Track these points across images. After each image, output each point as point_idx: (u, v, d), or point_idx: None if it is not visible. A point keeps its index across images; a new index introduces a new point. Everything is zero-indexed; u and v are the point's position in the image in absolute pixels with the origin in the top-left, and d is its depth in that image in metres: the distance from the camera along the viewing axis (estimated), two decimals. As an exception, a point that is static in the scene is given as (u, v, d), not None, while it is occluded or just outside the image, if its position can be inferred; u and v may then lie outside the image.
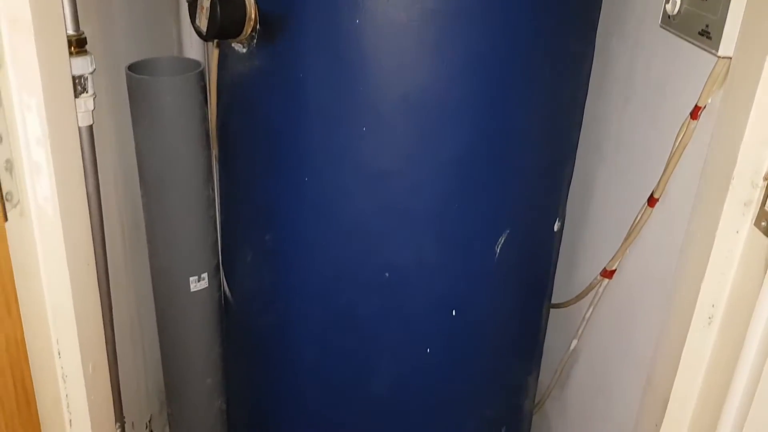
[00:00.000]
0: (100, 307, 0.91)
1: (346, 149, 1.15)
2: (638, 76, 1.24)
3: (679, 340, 0.84)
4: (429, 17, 1.06)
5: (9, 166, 0.70)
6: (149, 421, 1.77)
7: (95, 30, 1.23)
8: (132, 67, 1.32)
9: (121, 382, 1.43)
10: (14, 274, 0.71)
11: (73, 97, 0.77)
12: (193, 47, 1.53)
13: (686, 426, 0.85)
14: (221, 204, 1.48)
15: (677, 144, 1.02)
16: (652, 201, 1.11)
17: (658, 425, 0.88)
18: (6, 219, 0.69)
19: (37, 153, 0.71)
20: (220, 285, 1.54)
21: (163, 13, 1.54)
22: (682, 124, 1.03)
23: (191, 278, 1.47)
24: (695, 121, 1.00)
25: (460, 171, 1.16)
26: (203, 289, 1.49)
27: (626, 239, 1.19)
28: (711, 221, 0.80)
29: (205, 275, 1.48)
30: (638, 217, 1.16)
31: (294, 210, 1.24)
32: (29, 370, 0.71)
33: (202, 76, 1.35)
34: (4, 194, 0.70)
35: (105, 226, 1.27)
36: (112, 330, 1.36)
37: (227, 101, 1.32)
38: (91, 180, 1.14)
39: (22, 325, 0.69)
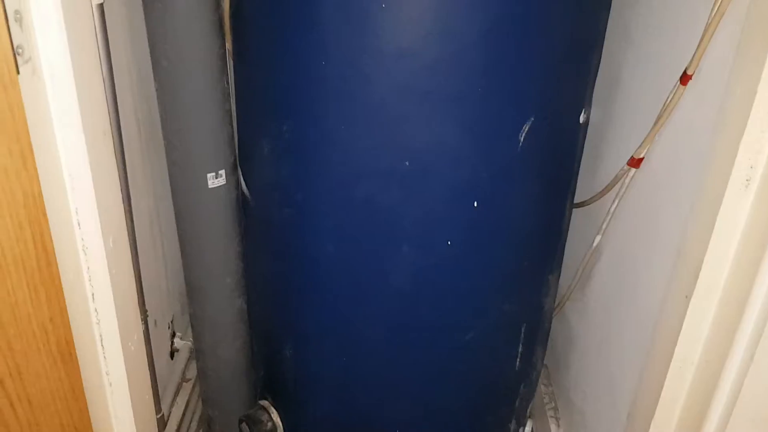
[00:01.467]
0: (118, 181, 0.90)
1: (364, 27, 1.11)
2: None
3: (713, 204, 0.81)
4: None
5: (18, 17, 0.67)
6: (171, 322, 1.80)
7: None
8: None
9: (142, 280, 1.44)
10: (31, 134, 0.69)
11: None
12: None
13: (718, 295, 0.83)
14: (236, 97, 1.45)
15: (714, 13, 0.96)
16: (684, 78, 1.06)
17: (689, 296, 0.86)
18: (18, 72, 0.67)
19: (46, 3, 0.67)
20: (237, 182, 1.52)
21: None
22: (718, -6, 0.97)
23: (209, 174, 1.45)
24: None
25: (483, 50, 1.11)
26: (221, 185, 1.47)
27: (656, 123, 1.15)
28: (752, 79, 0.76)
29: (222, 171, 1.46)
30: (669, 98, 1.11)
31: (311, 97, 1.21)
32: (48, 228, 0.70)
33: (213, -40, 1.30)
34: (15, 47, 0.67)
35: (120, 119, 1.25)
36: (132, 226, 1.35)
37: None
38: (104, 62, 1.11)
39: (39, 181, 0.67)
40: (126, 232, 0.93)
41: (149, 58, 1.37)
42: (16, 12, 0.67)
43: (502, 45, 1.12)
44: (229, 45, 1.41)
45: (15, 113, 0.63)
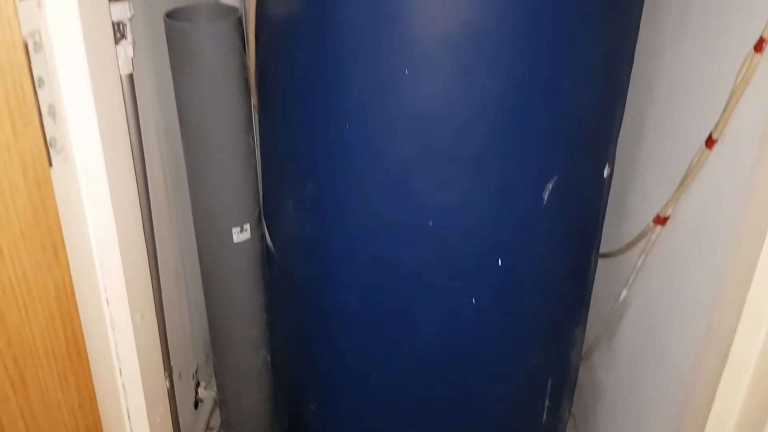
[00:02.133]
0: (146, 256, 0.91)
1: (388, 93, 1.12)
2: (694, 6, 1.17)
3: (744, 282, 0.80)
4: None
5: (52, 111, 0.69)
6: (195, 372, 1.80)
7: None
8: (170, 15, 1.30)
9: (167, 333, 1.45)
10: (63, 223, 0.71)
11: (113, 41, 0.75)
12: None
13: (748, 375, 0.81)
14: (261, 153, 1.46)
15: (739, 79, 0.96)
16: (710, 142, 1.06)
17: (719, 375, 0.85)
18: (51, 165, 0.68)
19: (79, 97, 0.69)
20: (262, 235, 1.53)
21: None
22: (745, 59, 0.97)
23: (234, 229, 1.47)
24: (759, 54, 0.94)
25: (506, 112, 1.12)
26: (246, 240, 1.48)
27: (681, 183, 1.14)
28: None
29: (247, 226, 1.48)
30: (694, 160, 1.10)
31: (335, 157, 1.22)
32: (79, 318, 0.71)
33: (240, 23, 1.32)
34: (48, 140, 0.69)
35: (148, 176, 1.27)
36: (158, 280, 1.37)
37: (265, 48, 1.29)
38: (132, 129, 1.13)
39: (70, 272, 0.68)
40: (153, 305, 0.94)
41: (176, 114, 1.39)
42: (50, 106, 0.69)
43: (524, 106, 1.12)
44: (254, 100, 1.43)
45: (48, 209, 0.64)
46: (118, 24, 1.04)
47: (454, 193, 1.18)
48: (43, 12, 0.66)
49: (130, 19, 1.06)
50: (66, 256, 0.67)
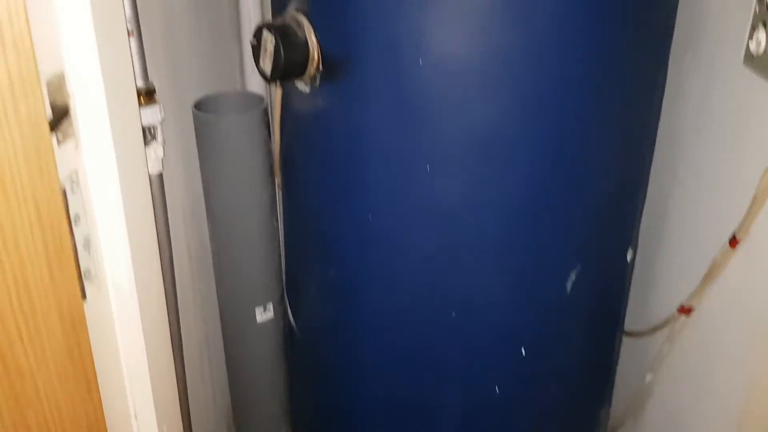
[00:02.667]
0: (174, 372, 0.93)
1: (410, 188, 1.13)
2: (715, 108, 1.18)
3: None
4: (493, 52, 1.03)
5: (87, 244, 0.71)
6: (217, 444, 1.80)
7: (161, 67, 1.25)
8: (198, 104, 1.33)
9: (191, 411, 1.45)
10: (94, 353, 0.72)
11: (148, 176, 0.78)
12: (256, 78, 1.53)
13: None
14: (285, 235, 1.48)
15: (762, 187, 0.96)
16: (733, 242, 1.06)
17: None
18: (85, 298, 0.70)
19: (114, 231, 0.71)
20: (284, 313, 1.55)
21: (226, 46, 1.55)
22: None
23: (257, 308, 1.48)
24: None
25: (527, 207, 1.13)
26: (269, 319, 1.50)
27: (706, 278, 1.14)
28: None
29: (270, 305, 1.49)
30: (718, 257, 1.10)
31: (357, 247, 1.23)
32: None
33: (265, 112, 1.36)
34: (83, 272, 0.71)
35: (174, 258, 1.29)
36: (182, 360, 1.38)
37: (290, 137, 1.32)
38: (162, 224, 1.16)
39: (101, 405, 0.70)
40: (179, 416, 0.95)
41: (203, 196, 1.42)
42: (86, 240, 0.71)
43: (545, 198, 1.13)
44: (278, 180, 1.46)
45: (82, 347, 0.66)
46: (150, 127, 1.07)
47: (476, 285, 1.18)
48: (80, 153, 0.69)
49: (161, 122, 1.09)
50: (98, 390, 0.69)
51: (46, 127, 0.60)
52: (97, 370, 0.72)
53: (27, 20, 0.55)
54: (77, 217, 0.70)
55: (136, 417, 0.82)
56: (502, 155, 1.09)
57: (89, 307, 0.72)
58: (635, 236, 1.34)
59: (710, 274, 1.12)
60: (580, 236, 1.20)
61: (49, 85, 0.64)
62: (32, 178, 0.59)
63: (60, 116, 0.64)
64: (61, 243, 0.64)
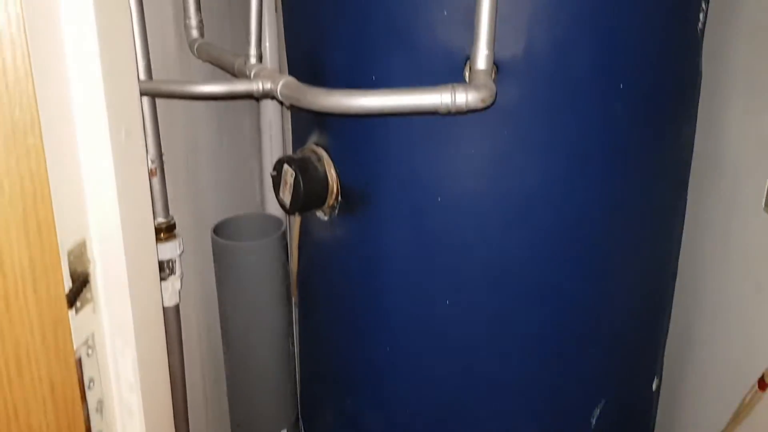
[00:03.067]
0: None
1: (429, 321, 1.11)
2: (736, 241, 1.17)
3: None
4: (512, 191, 1.03)
5: (100, 407, 0.70)
6: None
7: (183, 198, 1.26)
8: (217, 228, 1.34)
9: None
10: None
11: (164, 340, 0.77)
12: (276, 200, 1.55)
13: None
14: (301, 359, 1.46)
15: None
16: (762, 384, 1.02)
17: None
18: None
19: (128, 397, 0.70)
20: (299, 439, 1.51)
21: (247, 167, 1.58)
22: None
23: (271, 433, 1.44)
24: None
25: (549, 344, 1.10)
26: (283, 446, 1.46)
27: (734, 419, 1.09)
28: None
29: (284, 430, 1.45)
30: (747, 397, 1.06)
31: (375, 378, 1.20)
32: None
33: (284, 237, 1.36)
34: (93, 435, 0.69)
35: (187, 384, 1.27)
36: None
37: (309, 262, 1.32)
38: (176, 356, 1.15)
39: None
40: None
41: (218, 316, 1.41)
42: (99, 402, 0.70)
43: (568, 336, 1.11)
44: (295, 298, 1.45)
45: None
46: (168, 261, 1.08)
47: (498, 424, 1.14)
48: (98, 316, 0.69)
49: (180, 255, 1.10)
50: None
51: (65, 304, 0.59)
52: None
53: (51, 203, 0.56)
54: (91, 381, 0.69)
55: None
56: (522, 291, 1.08)
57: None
58: (660, 364, 1.30)
59: (738, 417, 1.08)
60: (604, 371, 1.17)
61: (69, 254, 0.64)
62: (48, 355, 0.59)
63: (79, 286, 0.64)
64: (73, 413, 0.63)
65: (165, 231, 1.07)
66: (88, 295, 0.67)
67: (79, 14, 0.59)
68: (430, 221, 1.06)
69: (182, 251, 1.10)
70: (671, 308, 1.30)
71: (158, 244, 1.02)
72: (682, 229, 1.24)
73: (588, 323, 1.11)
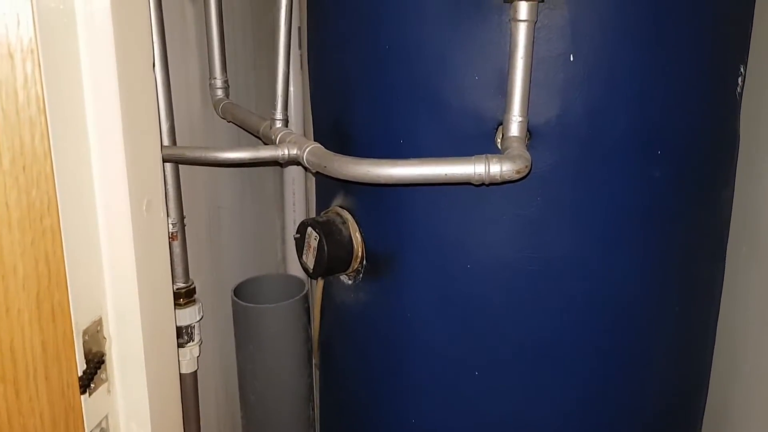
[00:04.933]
0: None
1: (456, 395, 1.06)
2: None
3: None
4: (545, 258, 0.99)
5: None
6: None
7: (203, 253, 1.24)
8: (237, 289, 1.31)
9: None
10: None
11: (180, 418, 0.73)
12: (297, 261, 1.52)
13: None
14: (321, 425, 1.41)
15: None
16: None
17: None
18: None
19: None
20: None
21: (270, 226, 1.56)
22: None
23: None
24: None
25: (583, 422, 1.05)
26: None
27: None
28: None
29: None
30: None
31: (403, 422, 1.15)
32: None
33: (305, 299, 1.33)
34: None
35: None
36: None
37: (331, 326, 1.28)
38: (192, 424, 1.10)
39: None
40: None
41: (237, 384, 1.37)
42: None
43: (602, 416, 1.05)
44: (316, 361, 1.40)
45: None
46: (187, 327, 1.04)
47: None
48: (113, 397, 0.65)
49: (199, 321, 1.06)
50: None
51: (77, 390, 0.56)
52: None
53: (66, 285, 0.53)
54: (104, 468, 0.65)
55: None
56: (554, 364, 1.03)
57: None
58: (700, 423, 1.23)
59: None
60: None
61: (84, 334, 0.61)
62: (58, 446, 0.55)
63: (94, 368, 0.61)
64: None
65: (184, 296, 1.04)
66: (103, 376, 0.64)
67: (103, 88, 0.57)
68: (458, 289, 1.02)
69: (201, 317, 1.07)
70: (708, 382, 1.23)
71: (177, 310, 0.99)
72: (720, 298, 1.19)
73: (623, 400, 1.06)
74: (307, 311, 1.34)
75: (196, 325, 1.06)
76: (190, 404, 1.11)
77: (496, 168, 0.79)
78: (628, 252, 0.99)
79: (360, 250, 1.10)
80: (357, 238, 1.10)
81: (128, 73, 0.59)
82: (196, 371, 1.11)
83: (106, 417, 0.65)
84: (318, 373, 1.41)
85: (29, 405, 0.53)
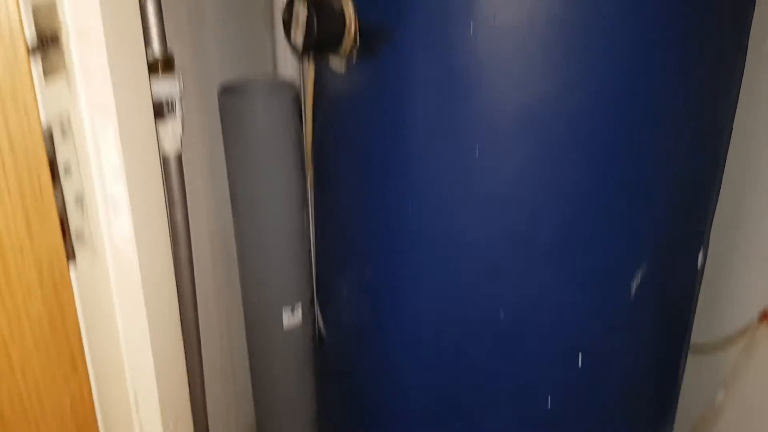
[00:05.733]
0: (183, 358, 0.81)
1: (457, 173, 1.01)
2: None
3: None
4: (554, 22, 0.91)
5: (79, 200, 0.61)
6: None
7: (186, 46, 1.16)
8: (224, 88, 1.24)
9: (210, 424, 1.34)
10: (84, 324, 0.62)
11: (153, 121, 0.67)
12: (288, 66, 1.44)
13: None
14: (316, 233, 1.38)
15: None
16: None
17: None
18: (74, 258, 0.60)
19: (112, 186, 0.61)
20: (314, 320, 1.43)
21: (258, 28, 1.47)
22: None
23: (284, 309, 1.37)
24: None
25: (589, 198, 1.00)
26: (297, 325, 1.38)
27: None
28: None
29: (299, 306, 1.37)
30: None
31: (396, 241, 1.11)
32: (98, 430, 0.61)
33: (297, 98, 1.26)
34: (73, 233, 0.60)
35: (194, 255, 1.19)
36: (200, 362, 1.28)
37: (323, 124, 1.22)
38: (179, 210, 1.06)
39: (89, 382, 0.59)
40: (189, 410, 0.84)
41: (228, 188, 1.32)
42: (77, 195, 0.61)
43: (608, 188, 1.00)
44: (310, 176, 1.35)
45: (65, 313, 0.57)
46: (168, 100, 0.98)
47: (527, 283, 1.05)
48: (74, 93, 0.59)
49: (180, 96, 1.00)
50: (85, 364, 0.58)
51: (24, 53, 0.49)
52: (89, 345, 0.61)
53: None
54: (67, 167, 0.60)
55: (136, 405, 0.71)
56: (562, 138, 0.97)
57: (81, 273, 0.61)
58: (707, 238, 1.20)
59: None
60: (648, 232, 1.06)
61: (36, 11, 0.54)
62: (5, 112, 0.49)
63: (45, 42, 0.54)
64: (41, 192, 0.54)
65: (163, 65, 0.96)
66: (60, 62, 0.57)
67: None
68: (461, 56, 0.95)
69: (183, 91, 1.00)
70: (721, 179, 1.18)
71: (154, 80, 0.92)
72: (738, 94, 1.12)
73: (635, 175, 1.00)
74: (299, 113, 1.28)
75: (177, 100, 0.99)
76: (178, 191, 1.06)
77: None
78: (640, 29, 0.92)
79: (353, 24, 1.02)
80: (350, 12, 1.02)
81: None
82: (180, 155, 1.05)
83: (68, 115, 0.59)
84: (312, 192, 1.37)
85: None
